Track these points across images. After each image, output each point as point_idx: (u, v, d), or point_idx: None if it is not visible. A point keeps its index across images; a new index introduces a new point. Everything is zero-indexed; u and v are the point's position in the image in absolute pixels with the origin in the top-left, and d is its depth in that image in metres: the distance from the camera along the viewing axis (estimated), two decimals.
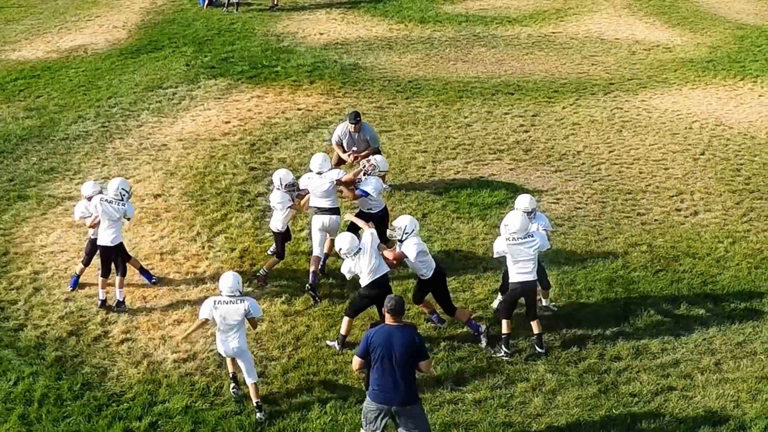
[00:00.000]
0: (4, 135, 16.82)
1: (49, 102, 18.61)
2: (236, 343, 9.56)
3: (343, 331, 10.54)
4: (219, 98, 18.77)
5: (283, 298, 11.62)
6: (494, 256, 10.82)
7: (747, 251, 12.90)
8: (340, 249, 10.36)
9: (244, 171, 15.27)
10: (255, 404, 9.54)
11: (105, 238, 11.32)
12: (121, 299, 11.37)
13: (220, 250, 12.68)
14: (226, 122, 17.47)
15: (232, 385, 9.89)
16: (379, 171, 12.37)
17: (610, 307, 11.48)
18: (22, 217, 13.71)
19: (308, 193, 12.02)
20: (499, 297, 11.30)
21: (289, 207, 11.84)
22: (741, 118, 17.97)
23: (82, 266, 11.91)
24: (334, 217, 11.90)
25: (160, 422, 9.42)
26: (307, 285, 11.56)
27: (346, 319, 10.54)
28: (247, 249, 12.73)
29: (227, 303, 9.53)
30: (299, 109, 18.13)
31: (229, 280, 9.63)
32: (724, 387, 10.06)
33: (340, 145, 14.33)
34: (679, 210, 14.11)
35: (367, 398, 8.63)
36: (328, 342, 10.73)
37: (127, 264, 11.60)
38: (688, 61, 21.63)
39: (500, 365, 10.34)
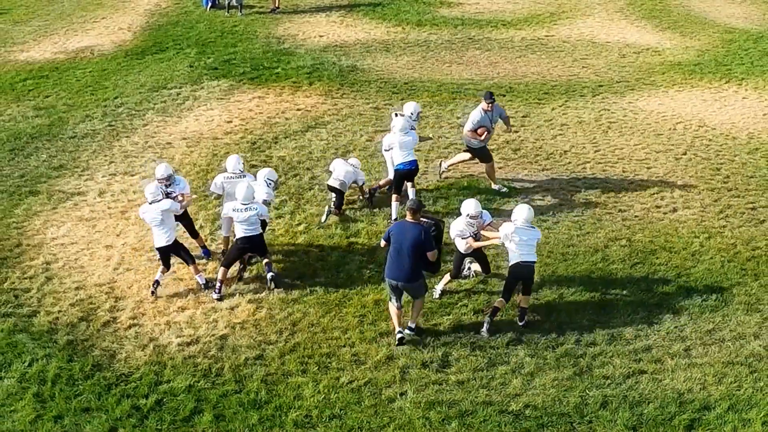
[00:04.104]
0: (15, 133, 17.52)
1: (57, 101, 19.29)
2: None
3: (219, 276, 12.05)
4: (221, 99, 19.44)
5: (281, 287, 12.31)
6: (501, 239, 11.48)
7: (721, 246, 13.56)
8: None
9: (244, 169, 15.91)
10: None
11: (161, 239, 11.95)
12: (203, 281, 12.19)
13: (221, 243, 13.35)
14: (228, 122, 18.15)
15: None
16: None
17: (588, 297, 12.15)
18: (34, 212, 14.40)
19: None
20: (474, 267, 12.37)
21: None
22: (724, 120, 18.61)
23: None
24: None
25: (165, 400, 10.11)
26: (370, 189, 14.60)
27: (221, 269, 12.10)
28: None
29: (232, 178, 12.66)
30: (298, 110, 18.80)
31: (232, 160, 12.94)
32: (692, 371, 10.72)
33: (477, 130, 14.85)
34: (659, 207, 14.77)
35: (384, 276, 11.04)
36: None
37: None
38: (676, 64, 22.29)
39: (483, 350, 11.03)
